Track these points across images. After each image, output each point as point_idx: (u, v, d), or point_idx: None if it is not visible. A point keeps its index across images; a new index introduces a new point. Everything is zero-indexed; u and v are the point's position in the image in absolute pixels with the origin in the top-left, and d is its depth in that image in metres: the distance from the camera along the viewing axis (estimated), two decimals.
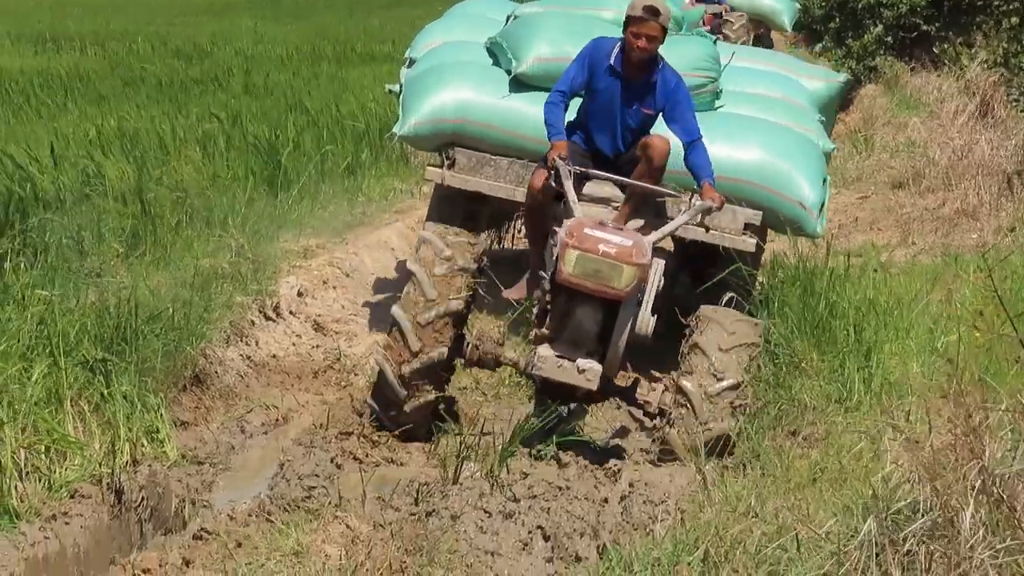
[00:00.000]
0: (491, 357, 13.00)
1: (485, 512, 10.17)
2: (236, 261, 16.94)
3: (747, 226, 13.64)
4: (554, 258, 12.12)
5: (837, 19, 37.68)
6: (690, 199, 12.97)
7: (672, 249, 14.21)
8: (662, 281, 12.56)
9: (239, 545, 9.52)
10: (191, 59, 42.55)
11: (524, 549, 9.71)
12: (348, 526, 9.39)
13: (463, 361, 13.11)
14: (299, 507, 10.54)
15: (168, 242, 17.58)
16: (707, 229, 13.24)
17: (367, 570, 8.43)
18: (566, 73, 13.02)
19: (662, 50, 13.20)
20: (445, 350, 12.46)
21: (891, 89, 31.44)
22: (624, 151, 13.27)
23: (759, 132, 13.80)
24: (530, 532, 9.98)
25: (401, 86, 15.20)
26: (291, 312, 16.53)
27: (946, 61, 32.21)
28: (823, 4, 39.41)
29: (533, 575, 9.38)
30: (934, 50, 33.58)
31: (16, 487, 11.29)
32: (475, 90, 14.32)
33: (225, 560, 9.09)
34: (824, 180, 13.90)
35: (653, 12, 12.45)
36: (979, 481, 7.76)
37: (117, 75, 37.61)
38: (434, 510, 9.93)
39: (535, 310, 12.89)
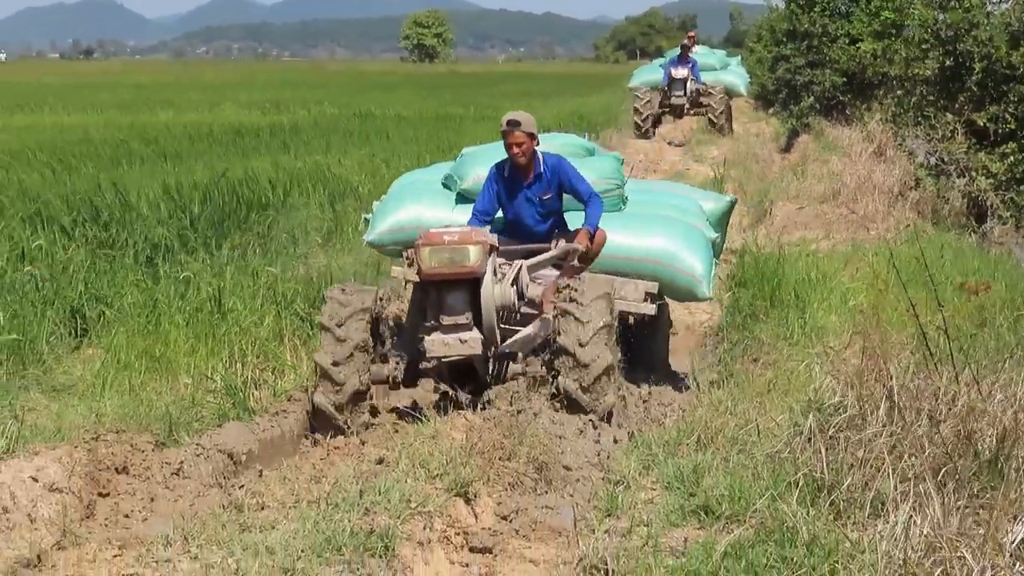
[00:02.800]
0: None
1: (555, 410, 10.11)
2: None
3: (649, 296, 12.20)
4: (415, 264, 10.63)
5: (783, 92, 37.47)
6: (556, 242, 11.79)
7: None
8: (527, 279, 11.38)
9: (396, 431, 9.52)
10: (365, 118, 42.67)
11: (580, 434, 9.65)
12: (467, 419, 9.35)
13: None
14: (436, 407, 10.52)
15: (350, 236, 17.69)
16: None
17: (479, 447, 8.41)
18: (480, 198, 11.93)
19: (580, 164, 12.35)
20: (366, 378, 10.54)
21: (818, 138, 31.24)
22: (546, 229, 11.97)
23: (660, 224, 12.48)
24: (584, 423, 9.92)
25: (373, 214, 13.45)
26: None
27: (854, 119, 32.04)
28: (775, 82, 39.24)
29: (586, 451, 9.33)
30: (847, 112, 33.41)
31: (252, 393, 11.39)
32: (427, 206, 12.82)
33: (387, 440, 9.10)
34: (712, 258, 12.60)
35: (515, 123, 11.46)
36: (885, 391, 7.75)
37: (317, 128, 37.79)
38: (522, 409, 9.88)
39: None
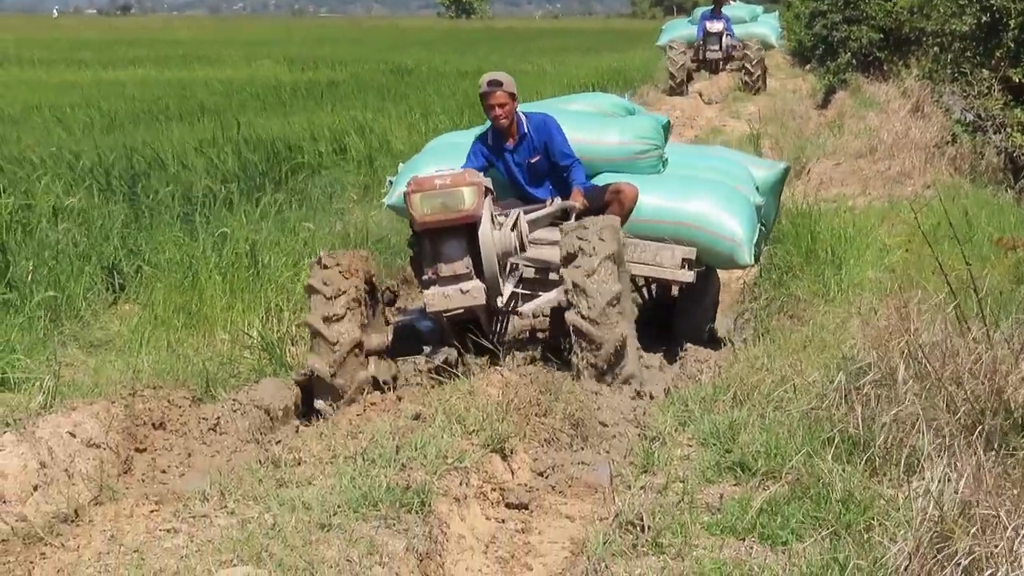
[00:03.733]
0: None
1: (565, 365, 9.97)
2: None
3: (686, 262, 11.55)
4: (408, 216, 9.95)
5: (820, 48, 37.29)
6: (552, 200, 11.16)
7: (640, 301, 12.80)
8: (527, 227, 10.63)
9: (433, 387, 9.48)
10: (402, 74, 42.62)
11: (617, 391, 9.65)
12: (503, 375, 9.29)
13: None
14: (472, 363, 10.44)
15: (386, 193, 17.60)
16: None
17: (515, 404, 8.39)
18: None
19: (617, 123, 12.20)
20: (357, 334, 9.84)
21: (855, 94, 31.09)
22: (539, 194, 11.38)
23: (699, 187, 11.83)
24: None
25: (396, 176, 12.91)
26: None
27: (891, 76, 31.91)
28: (812, 38, 39.05)
29: (622, 407, 9.31)
30: (883, 68, 33.25)
31: (289, 349, 11.38)
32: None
33: (423, 396, 9.06)
34: (756, 223, 12.02)
35: (496, 83, 10.92)
36: (907, 348, 7.73)
37: (355, 84, 37.73)
38: (559, 365, 9.84)
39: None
